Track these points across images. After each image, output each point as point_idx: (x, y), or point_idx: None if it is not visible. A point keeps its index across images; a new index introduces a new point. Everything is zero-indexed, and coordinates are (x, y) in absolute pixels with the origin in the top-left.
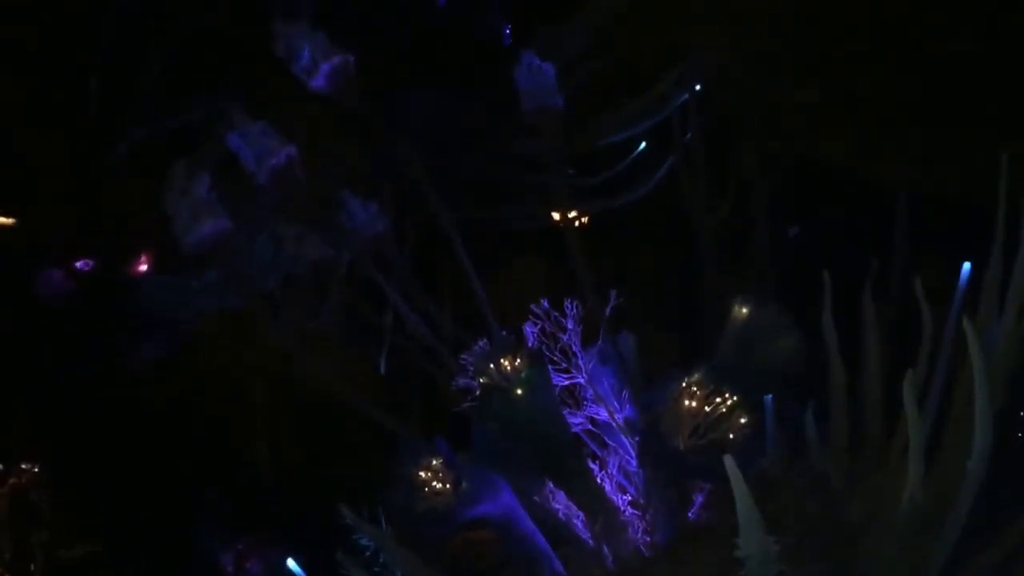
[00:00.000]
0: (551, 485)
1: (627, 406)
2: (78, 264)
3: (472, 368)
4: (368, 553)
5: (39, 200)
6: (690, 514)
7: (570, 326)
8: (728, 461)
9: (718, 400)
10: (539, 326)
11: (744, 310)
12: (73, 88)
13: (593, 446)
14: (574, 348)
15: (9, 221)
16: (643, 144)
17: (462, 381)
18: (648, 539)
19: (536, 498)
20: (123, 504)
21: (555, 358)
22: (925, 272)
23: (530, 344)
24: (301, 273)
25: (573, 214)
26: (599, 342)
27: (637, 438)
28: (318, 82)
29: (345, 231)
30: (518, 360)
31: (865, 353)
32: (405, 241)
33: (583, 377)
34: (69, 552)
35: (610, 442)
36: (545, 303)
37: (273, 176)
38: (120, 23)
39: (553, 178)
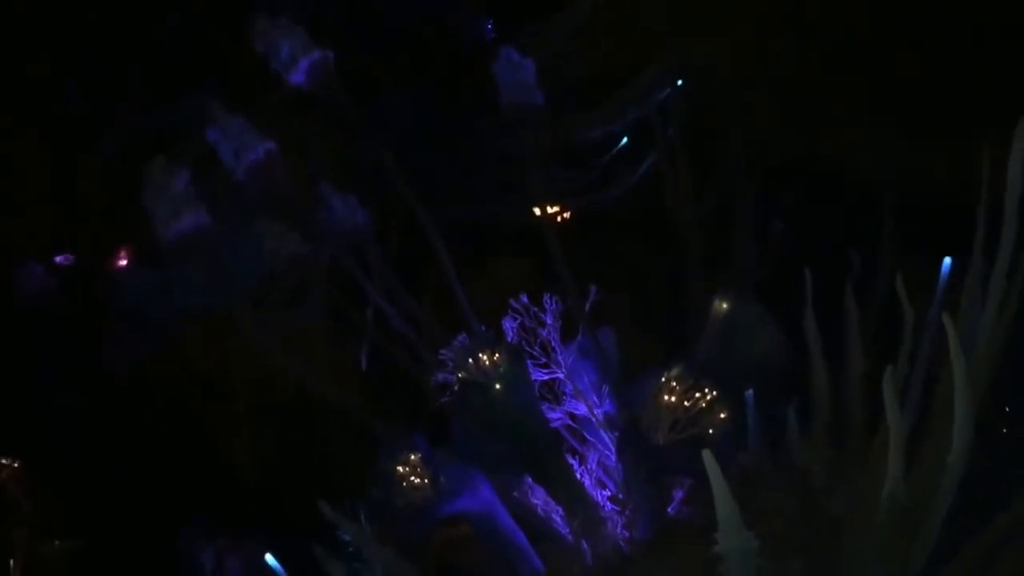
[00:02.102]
0: (530, 480)
1: (607, 401)
2: (57, 259)
3: (451, 363)
4: (349, 549)
5: (17, 196)
6: (670, 509)
7: (549, 321)
8: (707, 456)
9: (698, 395)
10: (519, 321)
11: (725, 305)
12: (53, 85)
13: (573, 441)
14: (553, 343)
15: None
16: (624, 140)
17: (441, 376)
18: (628, 534)
19: (515, 493)
20: (103, 501)
21: (534, 353)
22: (907, 269)
23: (509, 339)
24: (281, 269)
25: (553, 210)
26: (579, 337)
27: (617, 433)
28: (297, 77)
29: (325, 226)
30: (497, 355)
31: (847, 349)
32: (386, 238)
33: (563, 372)
34: (48, 548)
35: (590, 437)
36: (524, 298)
37: (252, 171)
38: (102, 21)
39: (533, 175)
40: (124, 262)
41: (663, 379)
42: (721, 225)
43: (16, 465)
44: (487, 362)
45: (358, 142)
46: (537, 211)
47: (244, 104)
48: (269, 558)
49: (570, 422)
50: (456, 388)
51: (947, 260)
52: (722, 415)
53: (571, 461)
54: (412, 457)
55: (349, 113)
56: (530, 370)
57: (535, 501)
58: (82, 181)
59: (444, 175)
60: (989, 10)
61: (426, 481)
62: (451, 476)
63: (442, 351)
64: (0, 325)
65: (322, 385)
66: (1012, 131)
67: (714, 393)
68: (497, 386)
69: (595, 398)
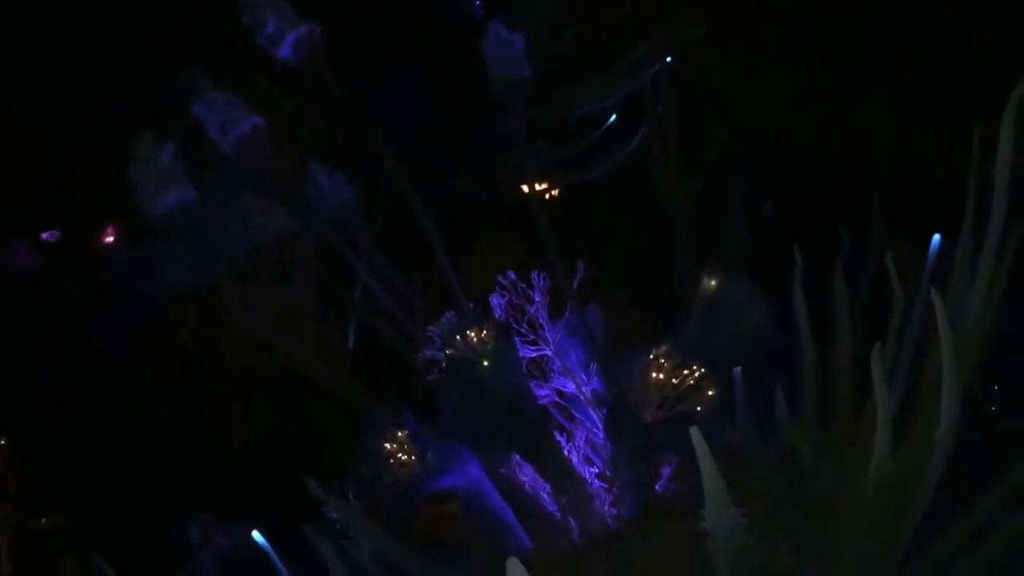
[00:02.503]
0: (518, 457)
1: (595, 378)
2: (43, 236)
3: (439, 340)
4: (336, 526)
5: (3, 172)
6: (657, 487)
7: (537, 298)
8: (695, 433)
9: (686, 373)
10: (507, 298)
11: (713, 283)
12: (40, 61)
13: (560, 418)
14: (541, 320)
15: None
16: (613, 117)
17: (428, 353)
18: (615, 511)
19: (503, 470)
20: (90, 477)
21: (522, 330)
22: (897, 247)
23: (497, 316)
24: (268, 245)
25: (542, 187)
26: (567, 314)
27: (604, 410)
28: (284, 52)
29: (312, 202)
30: (485, 332)
31: (836, 327)
32: (373, 215)
33: (550, 349)
34: (34, 525)
35: (577, 414)
36: (512, 275)
37: (239, 146)
38: None
39: (522, 151)
40: (111, 239)
41: (651, 357)
42: (710, 202)
43: (3, 442)
44: (475, 339)
45: (345, 118)
46: (525, 188)
47: (231, 79)
48: (256, 535)
49: (558, 399)
50: (444, 365)
51: (936, 237)
52: (710, 393)
53: (559, 438)
54: (400, 434)
55: (336, 89)
56: (518, 347)
57: (523, 478)
58: (68, 157)
59: (432, 151)
60: None
61: (413, 458)
62: (439, 453)
63: (430, 328)
64: None
65: (309, 362)
66: (1002, 108)
67: (702, 371)
68: (485, 363)
69: (583, 376)
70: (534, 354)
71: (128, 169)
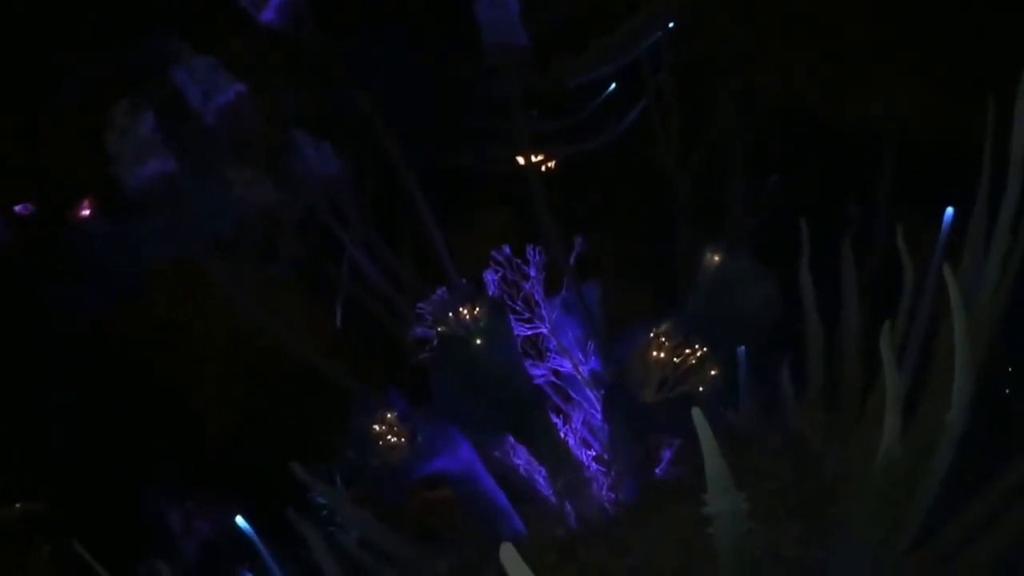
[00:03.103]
0: (512, 440)
1: (592, 358)
2: (17, 209)
3: (430, 317)
4: (324, 512)
5: None
6: (657, 471)
7: (533, 274)
8: (697, 414)
9: (687, 352)
10: (501, 274)
11: (716, 258)
12: (11, 25)
13: (557, 399)
14: (537, 297)
15: None
16: (613, 85)
17: (419, 331)
18: (613, 496)
19: (496, 453)
20: (66, 462)
21: (517, 307)
22: (907, 220)
23: (491, 292)
24: (252, 219)
25: (538, 158)
26: (563, 291)
27: (603, 391)
28: (268, 15)
29: (298, 174)
30: (478, 309)
31: (844, 305)
32: (362, 186)
33: (546, 327)
34: (9, 512)
35: (574, 395)
36: (507, 250)
37: (221, 114)
38: None
39: (517, 120)
40: (87, 212)
41: (651, 335)
42: (713, 175)
43: None
44: (467, 316)
45: (332, 86)
46: (521, 159)
47: (213, 45)
48: (240, 520)
49: (554, 379)
50: (435, 343)
51: (949, 211)
52: (712, 373)
53: (555, 420)
54: (389, 415)
55: (323, 55)
56: (512, 325)
57: (517, 461)
58: (41, 125)
59: (424, 120)
60: None
61: (403, 440)
62: (429, 435)
63: (420, 305)
64: None
65: (294, 340)
66: (1019, 76)
67: (704, 350)
68: (478, 341)
69: (580, 354)
70: (529, 332)
71: (105, 139)
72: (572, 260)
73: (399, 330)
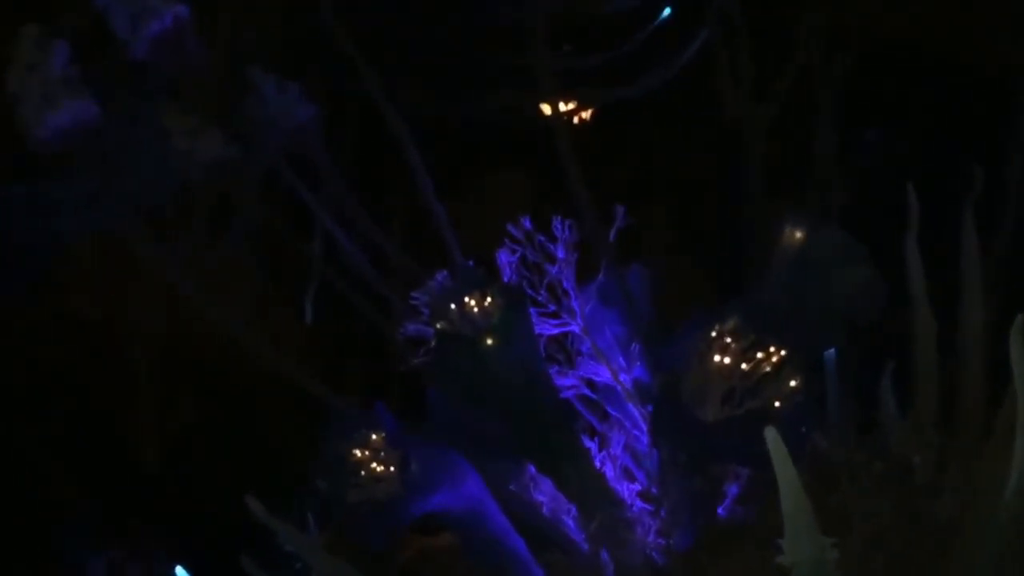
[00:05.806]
0: (532, 469)
1: (637, 364)
2: None
3: (427, 310)
4: (289, 559)
5: None
6: (720, 510)
7: (561, 255)
8: (771, 437)
9: (760, 355)
10: (519, 254)
11: (799, 234)
12: None
13: (591, 417)
14: (566, 284)
15: None
16: (667, 10)
17: (412, 328)
18: (663, 543)
19: (512, 487)
20: None
21: (540, 298)
22: None
23: (506, 278)
24: (197, 182)
25: (568, 107)
26: (600, 276)
27: (650, 407)
28: None
29: (256, 123)
30: (489, 299)
31: (963, 296)
32: (340, 140)
33: (578, 324)
34: None
35: (613, 412)
36: (527, 223)
37: (156, 47)
38: None
39: (542, 58)
40: None
41: (714, 333)
42: (793, 129)
43: None
44: (475, 308)
45: (301, 10)
46: (546, 108)
47: None
48: (180, 571)
49: (587, 392)
50: (433, 344)
51: None
52: (792, 383)
53: (588, 444)
54: (373, 437)
55: None
56: (534, 320)
57: (539, 497)
58: None
59: (421, 58)
60: None
61: (391, 470)
62: (425, 463)
63: (414, 294)
64: None
65: (253, 339)
66: None
67: (783, 353)
68: (489, 341)
69: (621, 360)
70: (556, 330)
71: (6, 76)
72: (612, 236)
73: (386, 326)
